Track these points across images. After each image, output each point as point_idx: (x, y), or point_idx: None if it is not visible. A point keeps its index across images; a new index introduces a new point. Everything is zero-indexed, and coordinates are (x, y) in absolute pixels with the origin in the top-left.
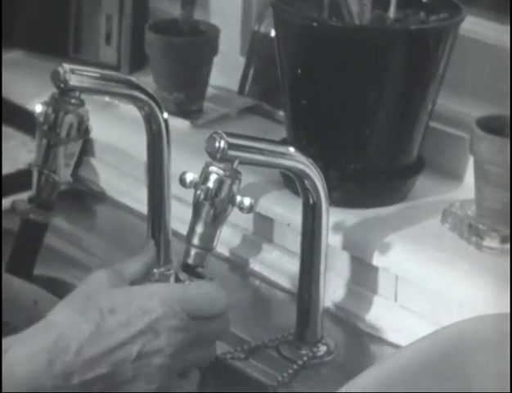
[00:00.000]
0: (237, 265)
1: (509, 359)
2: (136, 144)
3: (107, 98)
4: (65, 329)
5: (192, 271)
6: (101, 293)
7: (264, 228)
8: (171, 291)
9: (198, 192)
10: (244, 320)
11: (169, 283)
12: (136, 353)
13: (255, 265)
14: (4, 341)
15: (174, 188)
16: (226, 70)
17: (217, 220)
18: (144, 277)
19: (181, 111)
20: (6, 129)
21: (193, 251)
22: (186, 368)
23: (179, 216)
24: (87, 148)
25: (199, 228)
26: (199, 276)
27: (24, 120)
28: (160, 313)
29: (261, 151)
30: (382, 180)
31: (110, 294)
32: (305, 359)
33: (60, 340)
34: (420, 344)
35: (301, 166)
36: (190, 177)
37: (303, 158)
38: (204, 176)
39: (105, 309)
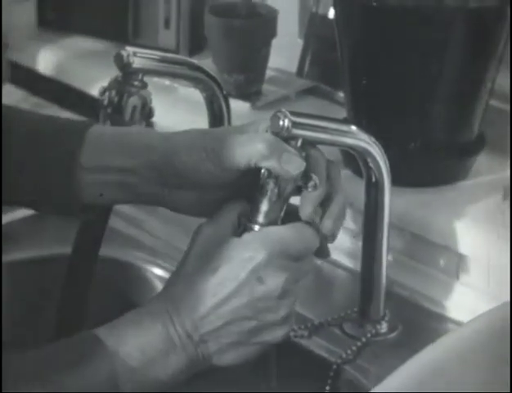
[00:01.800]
0: None
1: (510, 358)
2: (197, 126)
3: (167, 82)
4: (175, 294)
5: None
6: (207, 253)
7: None
8: (267, 235)
9: (262, 171)
10: (307, 299)
11: (264, 229)
12: (246, 302)
13: None
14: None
15: None
16: (284, 52)
17: (281, 198)
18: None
19: (241, 93)
20: (69, 114)
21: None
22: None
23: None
24: None
25: (264, 206)
26: None
27: (86, 105)
28: (258, 259)
29: (324, 130)
30: (443, 158)
31: (213, 252)
32: (368, 336)
33: (174, 303)
34: (478, 321)
35: (363, 144)
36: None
37: (365, 136)
38: None
39: (208, 270)
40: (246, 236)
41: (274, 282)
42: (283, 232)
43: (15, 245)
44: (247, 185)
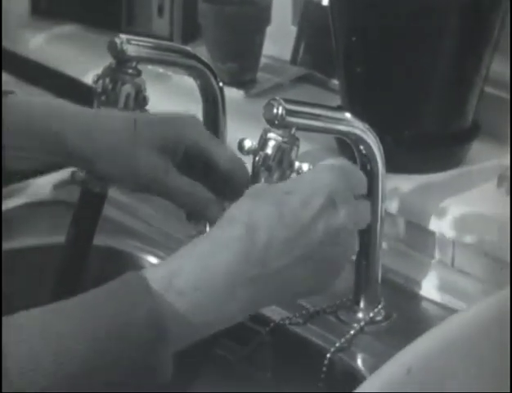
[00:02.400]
0: None
1: (509, 357)
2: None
3: (161, 69)
4: (249, 217)
5: None
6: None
7: None
8: (332, 167)
9: (257, 159)
10: None
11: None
12: (322, 228)
13: None
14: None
15: None
16: (278, 40)
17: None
18: None
19: (235, 81)
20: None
21: None
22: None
23: None
24: None
25: None
26: None
27: (79, 93)
28: (333, 186)
29: (318, 117)
30: (437, 145)
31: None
32: (363, 323)
33: (246, 227)
34: (477, 309)
35: (358, 132)
36: (248, 143)
37: (359, 123)
38: (263, 142)
39: (282, 192)
40: (316, 168)
41: (349, 210)
42: (351, 167)
43: (8, 233)
44: None
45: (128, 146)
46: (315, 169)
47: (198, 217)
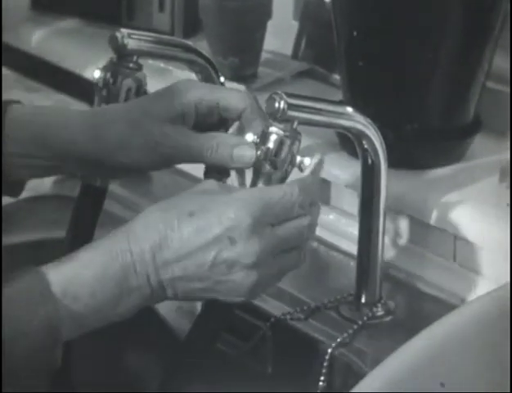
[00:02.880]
0: None
1: (510, 356)
2: None
3: (161, 64)
4: (143, 231)
5: None
6: (191, 197)
7: (321, 191)
8: (249, 198)
9: (258, 153)
10: (303, 282)
11: (251, 189)
12: (211, 259)
13: None
14: (88, 246)
15: None
16: (279, 35)
17: (277, 181)
18: None
19: (236, 76)
20: (62, 97)
21: None
22: (274, 276)
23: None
24: None
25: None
26: None
27: (80, 88)
28: (237, 219)
29: (320, 112)
30: (439, 140)
31: (197, 198)
32: (365, 319)
33: (138, 241)
34: (478, 303)
35: (359, 126)
36: (249, 138)
37: (361, 118)
38: (264, 136)
39: (185, 212)
40: (232, 194)
41: (246, 248)
42: (271, 193)
43: (9, 228)
44: None
45: (139, 127)
46: (228, 197)
47: (222, 172)
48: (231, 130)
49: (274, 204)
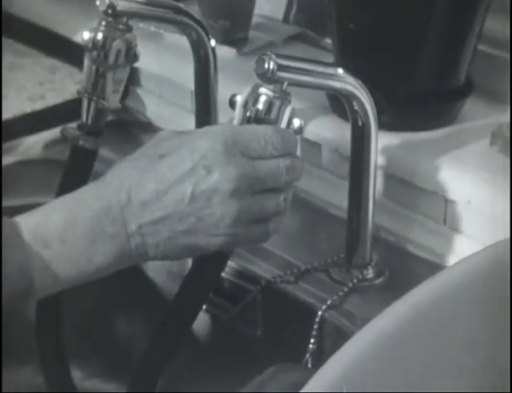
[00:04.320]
0: None
1: (509, 357)
2: (183, 73)
3: (152, 28)
4: (114, 180)
5: None
6: (159, 143)
7: (312, 154)
8: (222, 129)
9: (248, 114)
10: (293, 245)
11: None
12: (190, 192)
13: (302, 191)
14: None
15: (221, 116)
16: None
17: None
18: None
19: (227, 39)
20: (52, 61)
21: None
22: (255, 215)
23: None
24: (133, 78)
25: None
26: None
27: (70, 52)
28: (209, 148)
29: (310, 73)
30: (430, 103)
31: (165, 142)
32: (355, 281)
33: (110, 189)
34: (465, 263)
35: (350, 87)
36: (239, 99)
37: (351, 79)
38: (254, 98)
39: (156, 156)
40: (202, 128)
41: (223, 174)
42: (241, 128)
43: (3, 191)
44: None
45: None
46: (197, 132)
47: None
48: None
49: (245, 135)
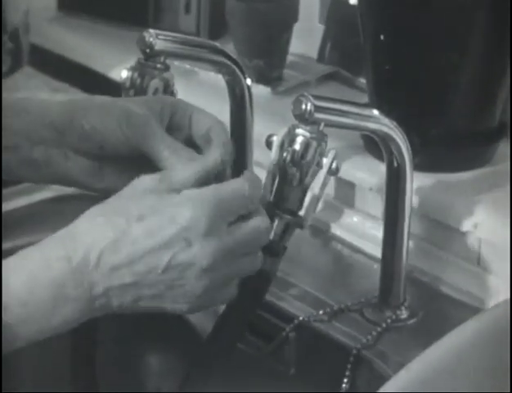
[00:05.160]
0: (319, 230)
1: (510, 358)
2: (218, 111)
3: (187, 65)
4: (86, 236)
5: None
6: (135, 199)
7: (345, 193)
8: (205, 196)
9: (284, 155)
10: (327, 284)
11: (199, 188)
12: (165, 263)
13: (336, 230)
14: (21, 252)
15: (256, 154)
16: (305, 38)
17: (303, 183)
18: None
19: (262, 78)
20: None
21: (279, 216)
22: (226, 282)
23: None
24: None
25: (286, 192)
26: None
27: (106, 89)
28: (192, 220)
29: (346, 114)
30: (464, 145)
31: (143, 200)
32: (388, 321)
33: (80, 247)
34: (496, 310)
35: (385, 129)
36: (276, 139)
37: (387, 121)
38: (290, 138)
39: (134, 216)
40: (182, 193)
41: (202, 249)
42: (222, 190)
43: (34, 227)
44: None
45: (114, 108)
46: (179, 197)
47: None
48: None
49: (227, 200)
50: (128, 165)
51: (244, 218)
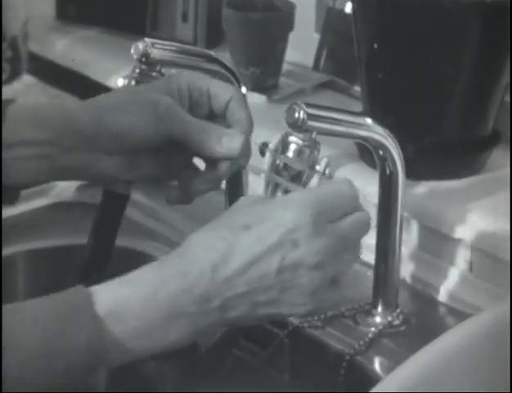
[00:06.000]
0: None
1: (509, 358)
2: None
3: None
4: (199, 252)
5: None
6: (241, 211)
7: None
8: (307, 198)
9: (277, 162)
10: None
11: (302, 190)
12: (276, 267)
13: None
14: (138, 269)
15: (251, 161)
16: (301, 47)
17: (294, 190)
18: None
19: (257, 86)
20: None
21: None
22: (333, 278)
23: (255, 188)
24: None
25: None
26: None
27: None
28: (296, 221)
29: (339, 122)
30: (457, 153)
31: (249, 210)
32: (381, 327)
33: (194, 263)
34: (484, 316)
35: (378, 137)
36: (269, 147)
37: (380, 129)
38: (283, 146)
39: (241, 226)
40: (284, 196)
41: (309, 247)
42: (323, 192)
43: (32, 234)
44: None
45: (139, 96)
46: (282, 200)
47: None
48: None
49: (330, 200)
50: (162, 150)
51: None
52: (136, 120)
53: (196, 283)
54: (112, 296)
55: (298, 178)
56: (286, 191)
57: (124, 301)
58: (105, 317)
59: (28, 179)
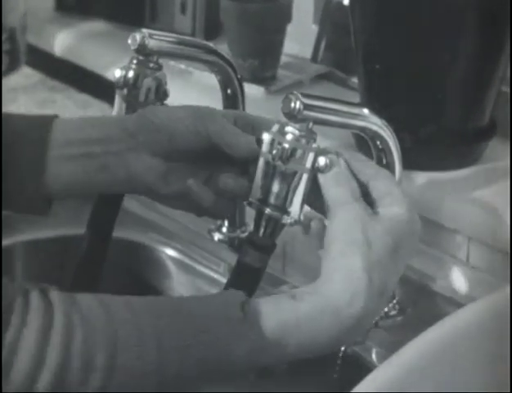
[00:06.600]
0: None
1: (509, 357)
2: None
3: (182, 65)
4: (347, 286)
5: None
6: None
7: None
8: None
9: (273, 152)
10: (316, 278)
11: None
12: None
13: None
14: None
15: None
16: (299, 38)
17: (292, 180)
18: None
19: (255, 78)
20: (85, 97)
21: (267, 212)
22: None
23: None
24: None
25: (275, 188)
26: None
27: (102, 89)
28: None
29: (335, 112)
30: (454, 143)
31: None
32: (378, 318)
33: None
34: (479, 304)
35: (374, 127)
36: (266, 137)
37: (376, 119)
38: (280, 136)
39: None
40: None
41: (382, 275)
42: (403, 218)
43: (29, 225)
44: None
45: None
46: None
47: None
48: None
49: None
50: (194, 172)
51: None
52: (177, 115)
53: (348, 314)
54: (281, 321)
55: (294, 168)
56: (282, 181)
57: (289, 330)
58: (271, 340)
59: (70, 182)
